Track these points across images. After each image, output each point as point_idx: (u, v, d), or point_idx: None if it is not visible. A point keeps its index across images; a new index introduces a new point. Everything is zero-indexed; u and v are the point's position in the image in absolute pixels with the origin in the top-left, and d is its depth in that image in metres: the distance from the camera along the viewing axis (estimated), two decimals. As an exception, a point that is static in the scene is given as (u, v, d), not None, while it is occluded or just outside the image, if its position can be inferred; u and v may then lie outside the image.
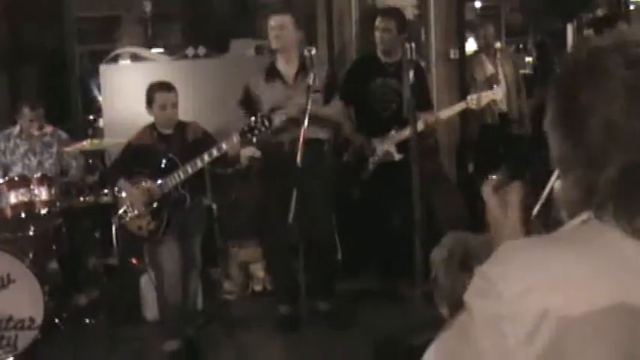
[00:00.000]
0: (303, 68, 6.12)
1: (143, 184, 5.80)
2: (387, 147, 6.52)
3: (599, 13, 10.39)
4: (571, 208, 1.37)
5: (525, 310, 1.25)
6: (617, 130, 1.28)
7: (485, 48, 8.16)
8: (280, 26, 6.16)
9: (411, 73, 5.45)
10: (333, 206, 6.49)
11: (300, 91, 5.90)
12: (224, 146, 5.60)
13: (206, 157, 5.62)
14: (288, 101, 6.00)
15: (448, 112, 6.77)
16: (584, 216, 1.34)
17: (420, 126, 6.08)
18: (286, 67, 6.20)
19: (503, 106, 7.91)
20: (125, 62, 8.27)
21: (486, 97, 6.65)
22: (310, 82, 5.63)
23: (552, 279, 1.26)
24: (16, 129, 6.89)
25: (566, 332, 1.23)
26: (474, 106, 6.67)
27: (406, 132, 6.21)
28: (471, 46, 9.03)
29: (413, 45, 5.63)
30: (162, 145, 5.84)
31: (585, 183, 1.33)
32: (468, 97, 6.67)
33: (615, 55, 1.31)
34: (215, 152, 5.61)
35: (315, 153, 6.02)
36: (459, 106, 6.75)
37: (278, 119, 5.86)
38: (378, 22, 6.73)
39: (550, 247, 1.33)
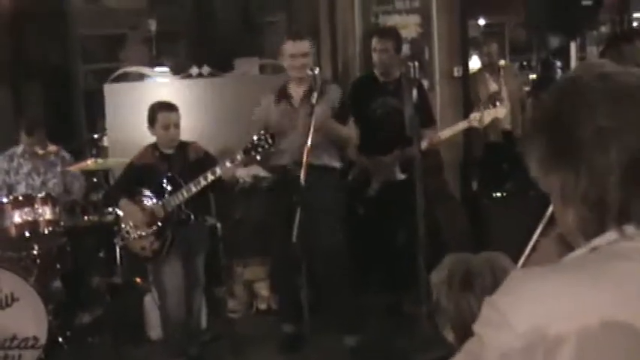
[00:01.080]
0: (311, 89, 5.96)
1: (146, 204, 5.80)
2: (390, 167, 6.50)
3: (603, 30, 10.43)
4: (587, 231, 1.38)
5: (536, 342, 1.26)
6: (608, 133, 1.32)
7: (489, 66, 8.17)
8: (303, 54, 5.98)
9: (414, 92, 5.46)
10: (344, 238, 6.21)
11: (306, 113, 5.83)
12: (228, 164, 5.60)
13: (209, 176, 5.62)
14: (293, 123, 5.91)
15: (451, 130, 6.77)
16: (597, 242, 1.35)
17: (424, 145, 6.06)
18: (296, 89, 6.06)
19: (508, 124, 7.92)
20: (129, 82, 8.29)
21: (489, 115, 6.64)
22: (314, 101, 5.60)
23: (562, 310, 1.27)
24: (20, 148, 6.92)
25: None
26: (476, 125, 6.67)
27: (410, 151, 6.22)
28: (474, 63, 9.06)
29: (416, 63, 5.63)
30: (164, 165, 5.84)
31: (594, 198, 1.34)
32: (471, 116, 6.66)
33: (586, 74, 1.39)
34: (218, 171, 5.61)
35: (329, 182, 6.00)
36: (462, 125, 6.74)
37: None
38: (374, 42, 6.71)
39: (560, 277, 1.33)
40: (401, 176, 6.46)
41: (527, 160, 1.46)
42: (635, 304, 1.28)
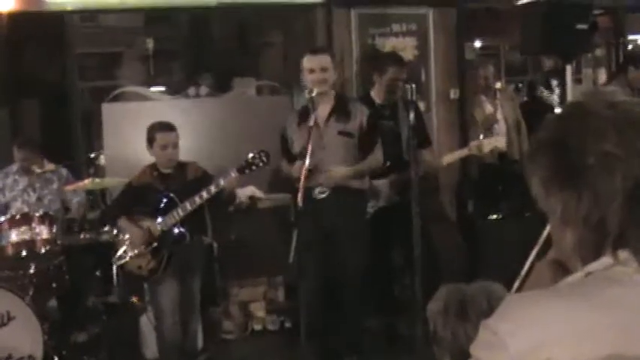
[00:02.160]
0: (335, 110, 5.87)
1: (143, 223, 5.81)
2: (386, 190, 6.50)
3: (598, 53, 10.47)
4: (585, 254, 1.40)
5: None
6: (614, 159, 1.34)
7: (484, 88, 8.19)
8: (323, 68, 5.81)
9: (412, 114, 5.48)
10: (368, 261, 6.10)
11: (330, 134, 5.79)
12: (222, 182, 5.61)
13: (205, 194, 5.64)
14: (317, 144, 5.67)
15: (450, 158, 6.79)
16: (592, 267, 1.37)
17: (421, 170, 6.05)
18: (319, 109, 5.76)
19: (503, 146, 7.91)
20: (127, 101, 8.31)
21: (489, 144, 6.67)
22: (311, 123, 5.57)
23: (558, 334, 1.29)
24: (15, 165, 6.92)
25: None
26: (475, 153, 6.70)
27: (406, 175, 6.24)
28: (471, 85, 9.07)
29: (413, 86, 5.65)
30: (162, 185, 5.86)
31: (595, 221, 1.36)
32: (471, 144, 6.69)
33: (597, 101, 1.41)
34: (213, 189, 5.62)
35: (357, 206, 5.99)
36: (461, 153, 6.77)
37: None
38: (393, 71, 6.66)
39: (555, 302, 1.35)
40: (396, 199, 6.47)
41: (528, 179, 1.48)
42: (627, 331, 1.30)
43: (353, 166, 5.90)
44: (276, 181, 7.04)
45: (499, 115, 7.95)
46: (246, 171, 5.56)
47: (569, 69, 7.11)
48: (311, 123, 5.56)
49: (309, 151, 5.47)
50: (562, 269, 1.52)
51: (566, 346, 1.27)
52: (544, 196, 1.45)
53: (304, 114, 5.88)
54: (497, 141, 6.77)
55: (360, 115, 5.94)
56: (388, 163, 6.37)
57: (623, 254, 1.35)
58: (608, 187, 1.34)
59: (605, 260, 1.36)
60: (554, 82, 9.98)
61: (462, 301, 2.60)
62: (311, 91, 5.66)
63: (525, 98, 10.23)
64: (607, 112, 1.39)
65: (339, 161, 5.79)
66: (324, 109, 5.83)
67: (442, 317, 2.61)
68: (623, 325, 1.30)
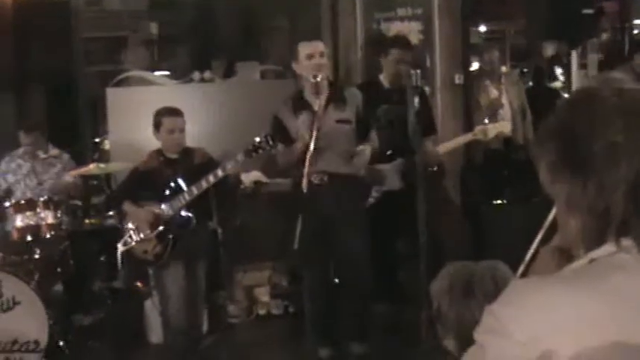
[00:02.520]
0: (333, 98, 5.83)
1: (149, 207, 5.82)
2: (391, 175, 6.49)
3: (604, 37, 10.45)
4: (588, 241, 1.40)
5: (536, 351, 1.28)
6: (620, 149, 1.35)
7: (490, 72, 8.17)
8: (320, 53, 5.80)
9: (416, 100, 5.47)
10: (369, 246, 6.05)
11: (330, 123, 5.74)
12: (229, 166, 5.62)
13: (211, 178, 5.64)
14: (317, 133, 5.61)
15: (454, 143, 6.78)
16: (595, 254, 1.38)
17: (428, 153, 6.04)
18: (315, 97, 5.75)
19: (509, 131, 7.89)
20: (131, 86, 8.31)
21: (494, 129, 6.66)
22: (316, 107, 5.58)
23: (562, 321, 1.29)
24: (21, 149, 6.93)
25: None
26: (481, 138, 6.69)
27: (411, 161, 6.24)
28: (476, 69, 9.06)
29: (418, 71, 5.64)
30: (168, 170, 5.86)
31: (599, 209, 1.37)
32: (476, 129, 6.68)
33: (605, 89, 1.41)
34: (220, 173, 5.62)
35: (351, 189, 5.93)
36: (466, 138, 6.76)
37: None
38: (397, 53, 6.68)
39: (559, 288, 1.35)
40: (401, 185, 6.46)
41: (535, 164, 1.49)
42: (631, 317, 1.30)
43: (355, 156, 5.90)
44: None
45: (504, 100, 7.94)
46: (254, 154, 5.56)
47: (574, 54, 7.09)
48: (316, 108, 5.56)
49: (314, 136, 5.47)
50: (566, 256, 1.52)
51: (569, 333, 1.28)
52: (550, 181, 1.45)
53: (298, 101, 5.88)
54: (502, 126, 6.76)
55: (356, 101, 5.92)
56: (389, 152, 6.39)
57: (625, 242, 1.35)
58: (613, 176, 1.35)
59: (609, 247, 1.37)
60: (559, 70, 9.99)
61: (468, 280, 2.58)
62: (315, 76, 5.63)
63: (531, 83, 10.24)
64: (615, 99, 1.39)
65: (338, 149, 5.77)
66: (321, 98, 5.78)
67: (447, 296, 2.60)
68: (627, 312, 1.31)
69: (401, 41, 7.04)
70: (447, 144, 6.79)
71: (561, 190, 1.43)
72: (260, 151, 5.56)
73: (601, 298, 1.31)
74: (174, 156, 5.91)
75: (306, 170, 5.35)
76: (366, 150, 5.99)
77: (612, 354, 1.27)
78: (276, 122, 5.91)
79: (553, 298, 1.32)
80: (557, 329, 1.28)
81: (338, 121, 5.79)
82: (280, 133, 5.81)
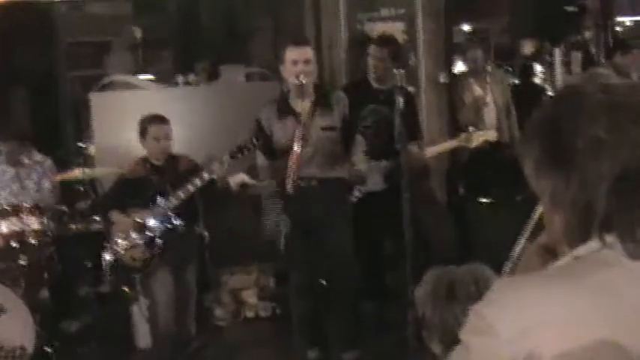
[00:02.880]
0: (319, 103, 5.75)
1: (136, 215, 5.81)
2: (374, 175, 6.46)
3: (587, 35, 10.48)
4: (572, 237, 1.40)
5: (522, 350, 1.28)
6: (603, 145, 1.35)
7: (474, 71, 8.18)
8: (306, 60, 5.65)
9: (402, 101, 5.47)
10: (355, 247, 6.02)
11: (316, 130, 5.69)
12: (214, 168, 5.61)
13: (197, 182, 5.63)
14: (303, 140, 5.55)
15: (439, 148, 6.77)
16: (580, 251, 1.38)
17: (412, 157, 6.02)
18: (300, 102, 5.67)
19: (494, 138, 7.86)
20: (116, 91, 8.29)
21: (479, 137, 6.67)
22: (298, 108, 5.56)
23: (547, 318, 1.29)
24: (2, 156, 6.91)
25: None
26: (464, 144, 6.70)
27: (397, 161, 6.22)
28: (460, 68, 9.08)
29: (402, 71, 5.64)
30: (154, 176, 5.85)
31: (582, 205, 1.37)
32: (461, 135, 6.70)
33: (590, 85, 1.41)
34: (206, 175, 5.62)
35: (338, 191, 5.92)
36: (451, 144, 6.75)
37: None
38: (373, 50, 6.70)
39: (544, 285, 1.36)
40: (383, 186, 6.43)
41: (521, 160, 1.48)
42: (616, 313, 1.30)
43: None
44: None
45: (488, 98, 7.95)
46: (239, 155, 5.56)
47: (557, 51, 7.11)
48: (298, 109, 5.54)
49: (299, 136, 5.45)
50: (551, 254, 1.53)
51: (554, 331, 1.28)
52: (535, 177, 1.46)
53: (283, 105, 5.79)
54: (487, 135, 6.77)
55: (342, 106, 5.84)
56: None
57: (609, 238, 1.35)
58: (596, 172, 1.35)
59: (593, 244, 1.37)
60: (538, 68, 10.02)
61: (449, 284, 2.60)
62: (299, 77, 5.56)
63: (516, 81, 10.26)
64: (600, 95, 1.39)
65: (324, 156, 5.74)
66: (306, 103, 5.69)
67: (430, 301, 2.61)
68: (612, 308, 1.30)
69: (378, 39, 7.06)
70: (432, 149, 6.78)
71: (546, 186, 1.43)
72: (245, 151, 5.55)
73: (586, 295, 1.31)
74: (159, 163, 5.90)
75: (291, 172, 5.32)
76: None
77: (598, 350, 1.27)
78: (258, 126, 5.83)
79: (537, 296, 1.32)
80: (543, 326, 1.28)
81: (324, 129, 5.73)
82: (262, 137, 5.73)
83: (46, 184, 6.84)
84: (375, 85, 6.72)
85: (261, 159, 5.93)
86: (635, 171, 1.34)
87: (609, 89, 1.40)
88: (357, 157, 5.98)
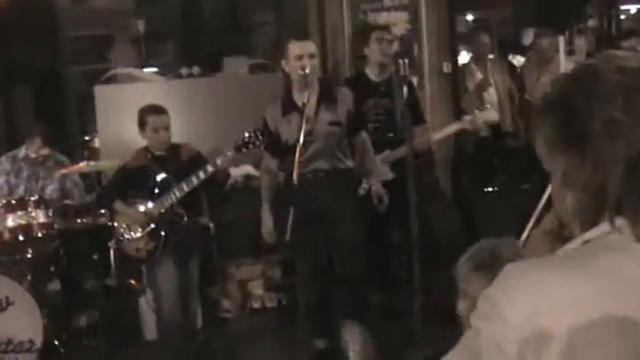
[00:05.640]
0: (323, 98, 5.68)
1: (139, 205, 5.81)
2: (380, 167, 6.43)
3: (591, 23, 10.46)
4: (583, 219, 1.40)
5: (531, 334, 1.28)
6: (619, 126, 1.33)
7: (478, 58, 8.17)
8: (310, 55, 5.57)
9: (405, 90, 5.47)
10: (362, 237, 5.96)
11: (322, 125, 5.64)
12: (219, 161, 5.60)
13: (201, 174, 5.62)
14: (308, 136, 5.49)
15: (443, 133, 6.77)
16: (589, 235, 1.37)
17: (416, 145, 6.01)
18: (305, 95, 5.49)
19: (495, 118, 7.87)
20: (119, 83, 8.29)
21: (481, 117, 6.67)
22: (305, 100, 5.47)
23: (556, 302, 1.29)
24: (22, 152, 6.92)
25: (570, 354, 1.26)
26: (468, 127, 6.70)
27: (400, 152, 6.22)
28: (464, 59, 9.06)
29: (405, 60, 5.62)
30: (156, 167, 5.85)
31: (595, 186, 1.36)
32: (465, 118, 6.69)
33: (606, 65, 1.40)
34: (210, 168, 5.61)
35: (345, 183, 5.88)
36: (454, 127, 6.75)
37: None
38: (376, 34, 6.67)
39: (553, 269, 1.35)
40: (391, 175, 6.43)
41: (534, 137, 1.48)
42: (625, 296, 1.30)
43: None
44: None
45: (491, 84, 7.95)
46: (243, 150, 5.53)
47: (562, 40, 7.08)
48: (302, 102, 5.50)
49: (303, 128, 5.40)
50: (557, 238, 1.52)
51: (564, 314, 1.28)
52: (548, 156, 1.45)
53: (287, 102, 5.75)
54: (489, 115, 6.77)
55: (347, 101, 5.77)
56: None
57: (619, 222, 1.35)
58: (611, 154, 1.34)
59: (603, 227, 1.36)
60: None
61: (492, 257, 2.57)
62: (304, 68, 5.52)
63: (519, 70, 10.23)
64: (616, 76, 1.38)
65: (331, 150, 5.72)
66: (311, 99, 5.58)
67: (472, 274, 2.59)
68: (621, 291, 1.30)
69: (378, 25, 7.07)
70: (437, 134, 6.78)
71: (559, 165, 1.42)
72: (250, 146, 5.52)
73: (594, 279, 1.31)
74: (161, 153, 5.90)
75: (296, 162, 5.30)
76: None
77: (607, 333, 1.27)
78: (264, 126, 5.75)
79: (547, 279, 1.32)
80: (552, 309, 1.28)
81: (330, 124, 5.69)
82: (268, 136, 5.65)
83: (68, 184, 6.90)
84: (373, 78, 6.68)
85: (267, 159, 5.89)
86: None
87: (625, 70, 1.39)
88: (371, 163, 5.99)
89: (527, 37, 10.46)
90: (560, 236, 1.56)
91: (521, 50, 10.27)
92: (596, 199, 1.37)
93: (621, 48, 7.68)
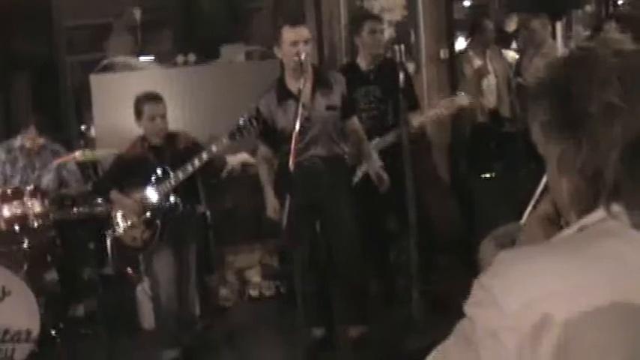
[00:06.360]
0: (318, 83, 5.63)
1: (135, 194, 5.81)
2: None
3: (588, 9, 10.43)
4: (579, 205, 1.39)
5: (526, 322, 1.27)
6: (617, 110, 1.33)
7: (482, 45, 8.11)
8: (305, 40, 5.48)
9: (401, 75, 5.44)
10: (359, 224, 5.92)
11: (320, 110, 5.60)
12: (214, 149, 5.58)
13: (196, 162, 5.62)
14: (305, 123, 5.35)
15: (421, 118, 6.67)
16: (585, 221, 1.37)
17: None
18: (300, 81, 5.26)
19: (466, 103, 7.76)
20: (116, 72, 8.27)
21: (452, 101, 6.64)
22: (301, 86, 5.41)
23: (552, 289, 1.28)
24: (18, 142, 6.89)
25: (569, 340, 1.25)
26: (445, 112, 6.66)
27: (389, 138, 6.21)
28: (460, 45, 9.03)
29: (402, 47, 5.60)
30: (153, 156, 5.84)
31: (591, 172, 1.35)
32: (440, 102, 6.69)
33: (602, 49, 1.39)
34: (205, 156, 5.60)
35: (342, 169, 5.88)
36: (432, 114, 6.68)
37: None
38: (370, 24, 6.62)
39: (549, 256, 1.34)
40: (380, 163, 6.36)
41: (529, 122, 1.46)
42: (623, 280, 1.29)
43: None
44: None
45: (489, 70, 7.92)
46: (237, 136, 5.50)
47: (559, 26, 7.06)
48: (301, 86, 5.42)
49: (299, 114, 5.32)
50: (553, 224, 1.51)
51: (561, 301, 1.26)
52: (543, 141, 1.44)
53: (281, 90, 5.67)
54: (460, 99, 6.71)
55: (341, 85, 5.74)
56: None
57: (615, 208, 1.34)
58: (608, 138, 1.33)
59: (599, 214, 1.36)
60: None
61: (512, 242, 2.55)
62: (299, 54, 5.40)
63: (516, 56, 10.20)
64: (613, 60, 1.37)
65: (328, 135, 5.69)
66: (306, 85, 5.41)
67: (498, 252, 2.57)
68: (619, 275, 1.29)
69: (371, 14, 7.04)
70: (416, 119, 6.67)
71: (554, 150, 1.41)
72: (244, 133, 5.49)
73: (591, 265, 1.30)
74: (158, 142, 5.89)
75: (293, 150, 5.26)
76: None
77: (605, 318, 1.26)
78: (257, 114, 5.67)
79: (543, 267, 1.31)
80: (549, 296, 1.27)
81: (328, 108, 5.65)
82: (262, 125, 5.59)
83: (65, 174, 6.88)
84: (363, 67, 6.62)
85: (263, 149, 5.83)
86: None
87: (622, 54, 1.38)
88: (366, 149, 5.99)
89: (511, 24, 10.46)
90: (556, 223, 1.54)
91: (506, 38, 10.23)
92: (593, 185, 1.36)
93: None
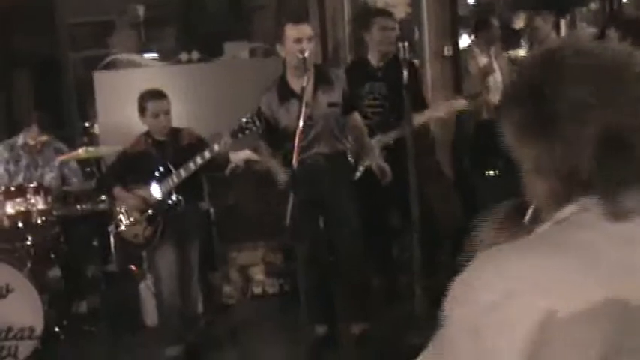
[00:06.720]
0: (320, 80, 5.61)
1: (138, 191, 5.80)
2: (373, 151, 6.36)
3: (592, 6, 10.42)
4: (556, 203, 1.39)
5: (506, 316, 1.27)
6: (588, 108, 1.33)
7: (488, 42, 8.10)
8: (308, 38, 5.46)
9: (406, 73, 5.42)
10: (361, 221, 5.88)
11: (322, 107, 5.59)
12: (216, 147, 5.58)
13: (199, 160, 5.61)
14: (308, 121, 5.33)
15: (422, 119, 6.64)
16: (559, 215, 1.38)
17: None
18: (301, 80, 5.31)
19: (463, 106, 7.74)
20: (119, 69, 8.28)
21: (451, 105, 6.64)
22: (304, 84, 5.30)
23: (530, 283, 1.29)
24: (20, 139, 6.89)
25: (548, 333, 1.26)
26: (441, 114, 6.66)
27: (391, 135, 6.21)
28: (464, 42, 9.03)
29: (406, 44, 5.58)
30: (157, 152, 5.84)
31: (567, 171, 1.35)
32: (438, 105, 6.69)
33: (568, 49, 1.40)
34: (207, 154, 5.59)
35: (344, 166, 5.89)
36: (426, 115, 6.66)
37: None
38: (380, 21, 6.57)
39: (526, 251, 1.35)
40: (381, 160, 6.33)
41: (502, 128, 1.45)
42: (598, 271, 1.30)
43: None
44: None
45: (494, 67, 7.91)
46: (240, 135, 5.49)
47: (563, 23, 7.05)
48: (304, 84, 5.40)
49: (302, 112, 5.31)
50: (518, 219, 1.52)
51: (539, 294, 1.27)
52: (517, 145, 1.43)
53: (282, 89, 5.64)
54: (457, 103, 6.71)
55: (341, 81, 5.73)
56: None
57: (588, 200, 1.35)
58: (581, 136, 1.33)
59: (572, 207, 1.36)
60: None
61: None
62: (302, 51, 5.39)
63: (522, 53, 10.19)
64: (577, 59, 1.37)
65: (330, 132, 5.68)
66: (307, 82, 5.37)
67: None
68: (593, 269, 1.30)
69: (382, 10, 7.00)
70: (417, 118, 6.66)
71: (529, 154, 1.41)
72: (247, 131, 5.49)
73: (567, 257, 1.31)
74: (161, 138, 5.89)
75: (296, 147, 5.25)
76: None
77: (582, 310, 1.26)
78: (258, 113, 5.62)
79: (520, 262, 1.32)
80: (527, 290, 1.28)
81: (329, 105, 5.64)
82: (264, 124, 5.56)
83: (66, 172, 6.89)
84: (373, 62, 6.59)
85: (264, 149, 5.83)
86: (617, 132, 1.33)
87: (584, 53, 1.38)
88: (368, 144, 5.99)
89: (518, 21, 10.46)
90: (521, 218, 1.55)
91: (514, 36, 10.22)
92: (568, 183, 1.37)
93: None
